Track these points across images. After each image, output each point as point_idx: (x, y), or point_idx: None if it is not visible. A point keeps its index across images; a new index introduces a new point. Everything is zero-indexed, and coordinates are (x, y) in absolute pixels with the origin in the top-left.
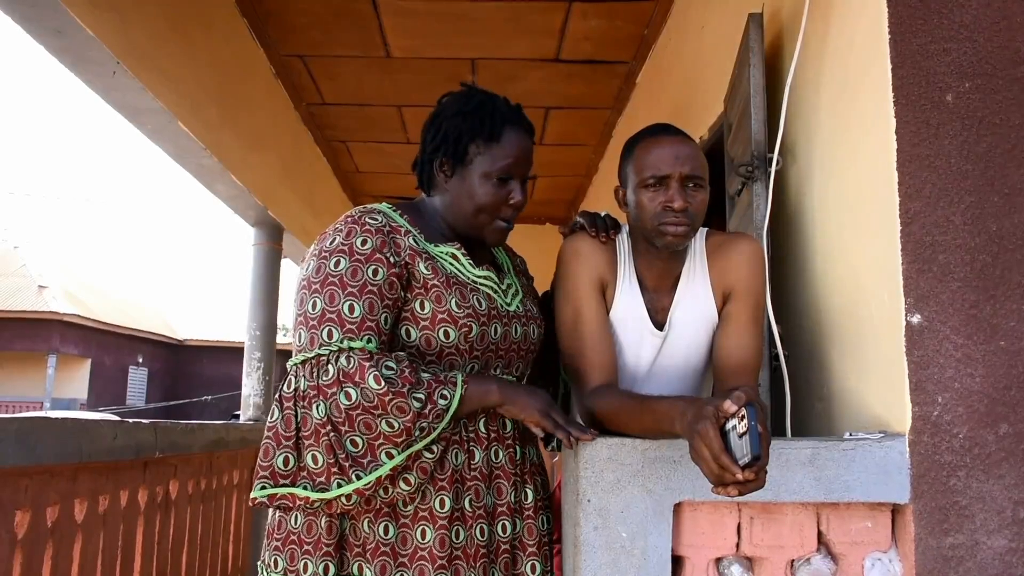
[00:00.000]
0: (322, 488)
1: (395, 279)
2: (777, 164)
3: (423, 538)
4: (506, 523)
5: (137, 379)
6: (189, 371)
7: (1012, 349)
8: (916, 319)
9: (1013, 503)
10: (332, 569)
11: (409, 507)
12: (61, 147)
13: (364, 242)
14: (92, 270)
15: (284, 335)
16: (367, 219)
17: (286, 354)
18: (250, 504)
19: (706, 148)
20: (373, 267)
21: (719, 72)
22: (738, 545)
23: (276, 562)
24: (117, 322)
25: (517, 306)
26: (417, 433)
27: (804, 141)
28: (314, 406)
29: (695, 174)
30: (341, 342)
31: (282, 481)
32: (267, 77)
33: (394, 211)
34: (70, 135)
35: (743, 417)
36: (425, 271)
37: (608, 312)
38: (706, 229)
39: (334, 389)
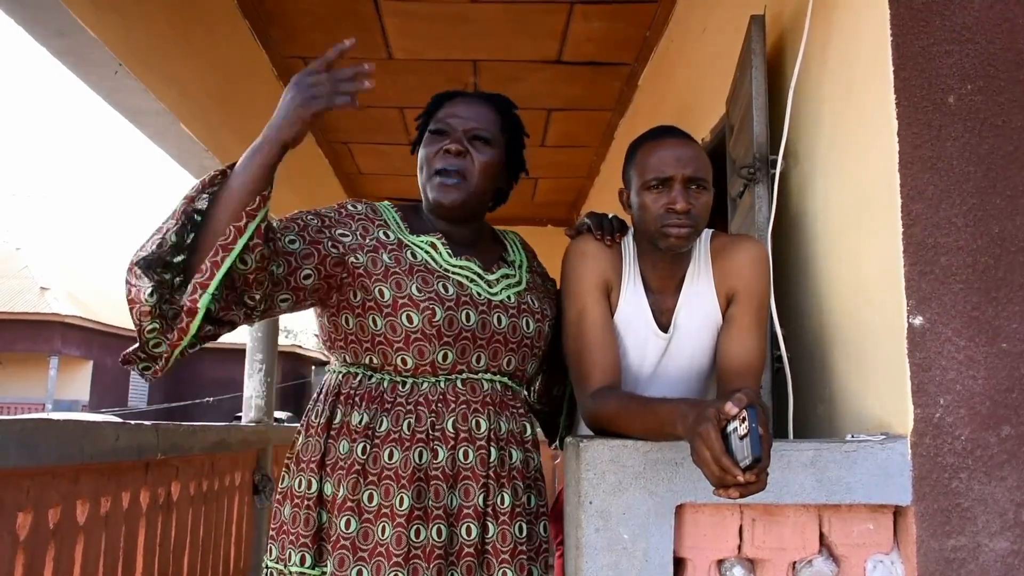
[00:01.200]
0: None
1: (326, 232)
2: (779, 166)
3: (383, 534)
4: (471, 526)
5: (139, 381)
6: (191, 373)
7: (1014, 351)
8: (918, 321)
9: (1015, 505)
10: (309, 560)
11: (374, 503)
12: (63, 149)
13: (328, 210)
14: (94, 272)
15: (286, 337)
16: (349, 204)
17: (288, 356)
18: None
19: (708, 150)
20: (325, 212)
21: (721, 74)
22: (740, 547)
23: (271, 550)
24: (119, 324)
25: (507, 297)
26: (204, 197)
27: (806, 143)
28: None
29: (698, 176)
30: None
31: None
32: (269, 78)
33: (389, 207)
34: (72, 137)
35: (744, 419)
36: (388, 260)
37: (613, 314)
38: (711, 231)
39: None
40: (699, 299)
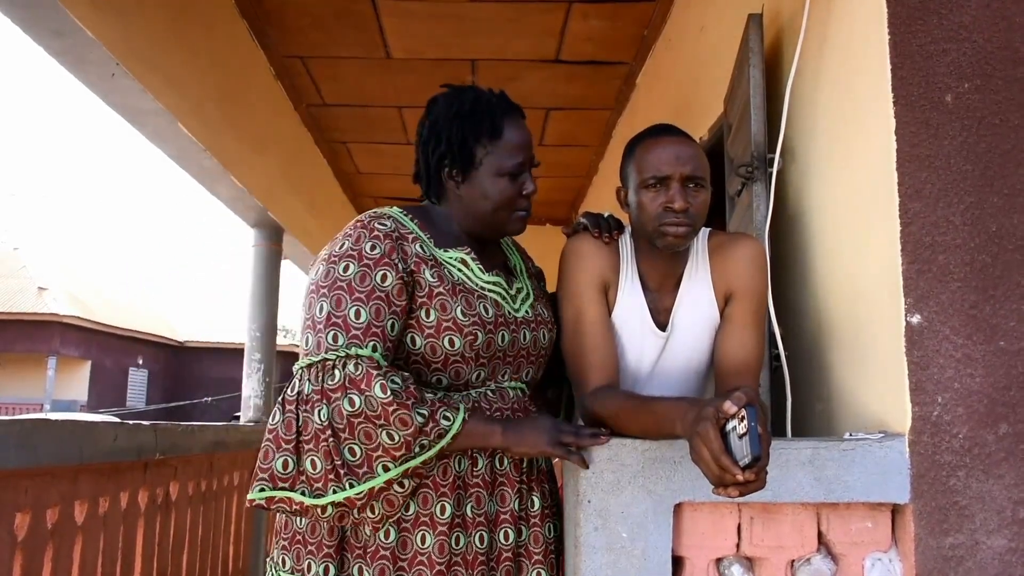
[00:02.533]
0: (318, 494)
1: (403, 285)
2: (777, 165)
3: (423, 543)
4: (509, 531)
5: (137, 381)
6: (189, 372)
7: (1012, 349)
8: (916, 319)
9: (1013, 503)
10: (332, 570)
11: (410, 512)
12: (61, 149)
13: (373, 247)
14: (92, 272)
15: (284, 336)
16: (376, 224)
17: (286, 355)
18: (248, 505)
19: (706, 149)
20: (381, 272)
21: (719, 73)
22: (738, 545)
23: (284, 561)
24: (117, 323)
25: (526, 311)
26: (416, 449)
27: (804, 142)
28: (316, 410)
29: (696, 175)
30: (347, 347)
31: (281, 484)
32: (267, 78)
33: (404, 215)
34: (70, 137)
35: (743, 418)
36: (431, 279)
37: (611, 313)
38: (708, 229)
39: (339, 394)
40: (697, 297)
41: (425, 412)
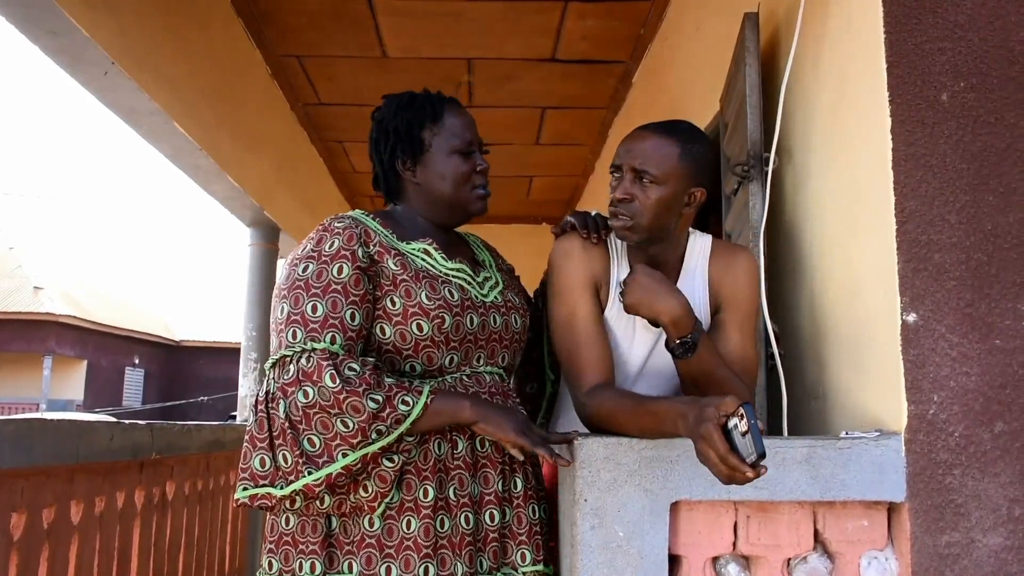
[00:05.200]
0: (291, 486)
1: (361, 273)
2: (773, 163)
3: (408, 528)
4: (494, 512)
5: (133, 380)
6: (186, 372)
7: (1007, 348)
8: (912, 318)
9: (1008, 501)
10: (319, 567)
11: (395, 499)
12: (57, 148)
13: (331, 244)
14: (88, 271)
15: None
16: (335, 223)
17: None
18: (234, 504)
19: None
20: (337, 265)
21: (715, 71)
22: (735, 544)
23: (271, 564)
24: (113, 323)
25: (496, 297)
26: (373, 435)
27: (800, 140)
28: (280, 406)
29: (644, 168)
30: (304, 342)
31: (261, 482)
32: (263, 77)
33: (366, 215)
34: (66, 135)
35: (742, 416)
36: (394, 267)
37: (603, 311)
38: (710, 236)
39: (294, 388)
40: (690, 296)
41: (379, 398)
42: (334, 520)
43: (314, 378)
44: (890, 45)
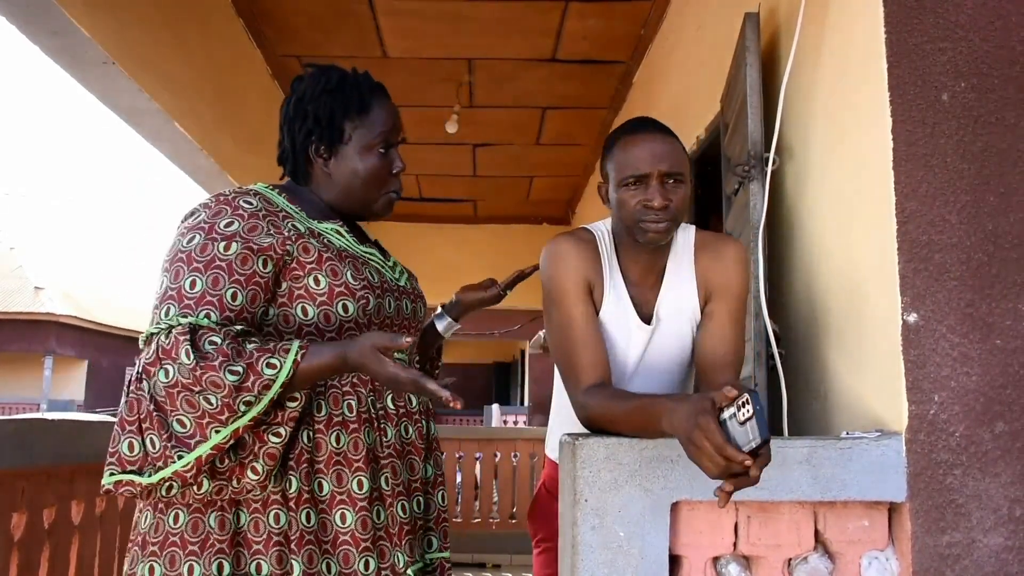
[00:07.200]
0: (160, 472)
1: (251, 254)
2: (774, 163)
3: (343, 522)
4: (420, 499)
5: None
6: None
7: (1008, 348)
8: (912, 318)
9: (1009, 501)
10: (227, 568)
11: (325, 491)
12: (58, 148)
13: (229, 224)
14: (89, 271)
15: None
16: (242, 201)
17: None
18: (101, 492)
19: (703, 148)
20: (225, 243)
21: (716, 72)
22: (735, 544)
23: (152, 569)
24: (114, 323)
25: (405, 283)
26: (241, 407)
27: (800, 140)
28: (145, 387)
29: (673, 171)
30: (176, 319)
31: (129, 467)
32: (264, 77)
33: (271, 190)
34: (66, 135)
35: (743, 404)
36: (318, 244)
37: (598, 311)
38: (694, 227)
39: (155, 367)
40: (680, 291)
41: (239, 368)
42: (244, 515)
43: (172, 355)
44: (890, 45)
